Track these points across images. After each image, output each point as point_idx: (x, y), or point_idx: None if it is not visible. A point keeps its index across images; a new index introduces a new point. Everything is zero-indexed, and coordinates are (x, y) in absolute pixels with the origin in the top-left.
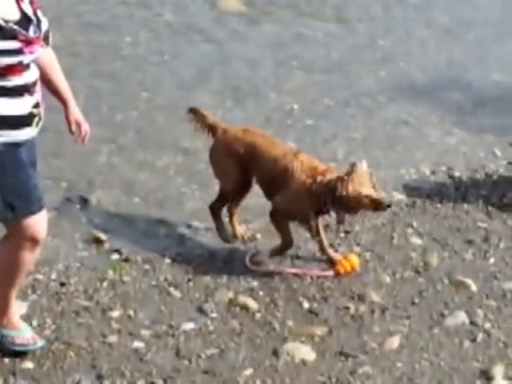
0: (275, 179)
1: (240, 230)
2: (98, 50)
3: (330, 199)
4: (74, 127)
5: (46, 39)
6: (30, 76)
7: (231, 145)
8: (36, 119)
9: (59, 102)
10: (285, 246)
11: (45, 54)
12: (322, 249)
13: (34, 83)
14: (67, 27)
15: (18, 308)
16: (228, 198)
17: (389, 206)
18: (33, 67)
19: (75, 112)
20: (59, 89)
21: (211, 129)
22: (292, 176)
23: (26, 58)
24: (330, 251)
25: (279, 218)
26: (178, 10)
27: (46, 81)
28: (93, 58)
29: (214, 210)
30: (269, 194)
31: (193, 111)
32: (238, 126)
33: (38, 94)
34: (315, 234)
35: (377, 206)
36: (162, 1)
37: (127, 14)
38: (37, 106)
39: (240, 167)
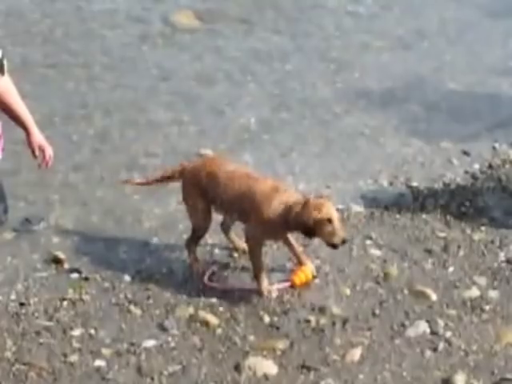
0: (243, 206)
1: (239, 243)
2: (51, 69)
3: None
4: (37, 153)
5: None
6: None
7: (194, 180)
8: None
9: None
10: (257, 270)
11: (1, 82)
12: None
13: None
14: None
15: None
16: (200, 234)
17: (344, 242)
18: None
19: (38, 138)
20: (19, 116)
21: (177, 174)
22: (256, 203)
23: None
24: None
25: (254, 245)
26: (131, 25)
27: (5, 109)
28: (46, 78)
29: (189, 246)
30: (243, 219)
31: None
32: (199, 160)
33: None
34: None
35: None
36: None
37: (83, 30)
38: None
39: (206, 201)
